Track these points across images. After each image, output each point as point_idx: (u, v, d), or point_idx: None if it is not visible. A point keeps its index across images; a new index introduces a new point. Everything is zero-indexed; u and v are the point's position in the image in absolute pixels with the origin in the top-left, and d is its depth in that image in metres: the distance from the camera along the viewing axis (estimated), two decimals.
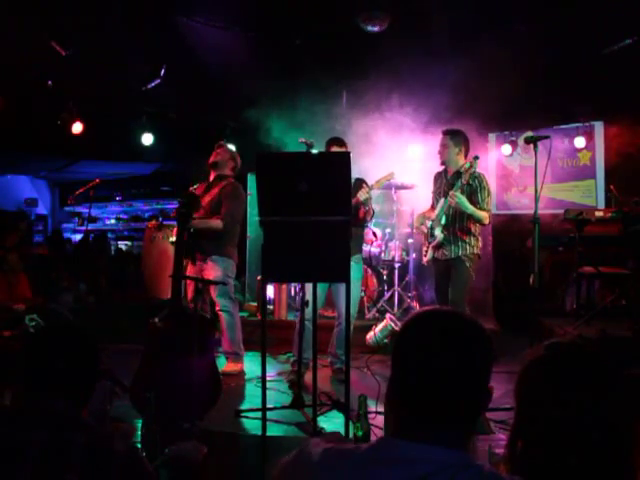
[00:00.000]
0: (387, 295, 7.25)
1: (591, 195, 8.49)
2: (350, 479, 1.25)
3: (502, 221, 8.38)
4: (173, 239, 7.42)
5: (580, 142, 8.26)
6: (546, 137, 4.31)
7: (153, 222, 6.44)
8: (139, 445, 2.83)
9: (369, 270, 7.33)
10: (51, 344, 1.71)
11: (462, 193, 4.93)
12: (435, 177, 5.49)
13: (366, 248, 7.39)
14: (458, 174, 5.12)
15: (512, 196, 8.87)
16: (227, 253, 5.56)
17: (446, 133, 5.25)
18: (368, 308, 7.20)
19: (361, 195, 5.02)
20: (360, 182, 5.42)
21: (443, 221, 5.12)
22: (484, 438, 3.77)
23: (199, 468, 2.82)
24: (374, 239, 7.39)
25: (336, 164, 3.71)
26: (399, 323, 6.13)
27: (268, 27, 6.57)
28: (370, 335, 6.31)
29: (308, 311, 5.06)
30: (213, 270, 5.49)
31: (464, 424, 1.31)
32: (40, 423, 1.51)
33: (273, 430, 3.94)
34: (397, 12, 6.14)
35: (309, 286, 5.03)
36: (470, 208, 4.91)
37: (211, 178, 5.66)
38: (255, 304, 7.62)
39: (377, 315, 7.03)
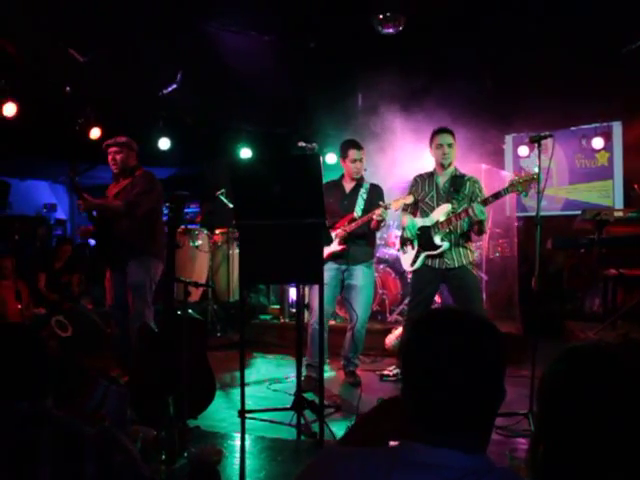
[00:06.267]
0: (409, 298, 7.22)
1: (609, 195, 8.43)
2: None
3: (521, 223, 8.34)
4: (199, 243, 7.53)
5: (598, 143, 8.20)
6: (549, 136, 4.26)
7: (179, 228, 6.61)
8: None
9: (392, 273, 7.31)
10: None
11: (463, 201, 4.85)
12: (417, 180, 5.16)
13: (389, 251, 7.39)
14: (455, 179, 4.95)
15: (530, 198, 8.82)
16: (148, 251, 5.16)
17: (450, 131, 4.95)
18: (390, 311, 7.18)
19: (377, 217, 4.99)
20: (376, 189, 5.41)
21: (446, 229, 4.87)
22: (504, 441, 3.76)
23: (217, 469, 2.84)
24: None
25: (307, 167, 3.74)
26: None
27: (283, 30, 6.60)
28: (390, 339, 6.29)
29: (319, 315, 5.08)
30: (133, 273, 5.11)
31: (480, 427, 1.30)
32: (5, 426, 1.54)
33: (273, 432, 3.98)
34: (412, 12, 6.12)
35: (313, 289, 5.06)
36: (485, 217, 4.72)
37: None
38: (278, 307, 7.64)
39: (399, 318, 7.02)
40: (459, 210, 4.81)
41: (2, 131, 7.23)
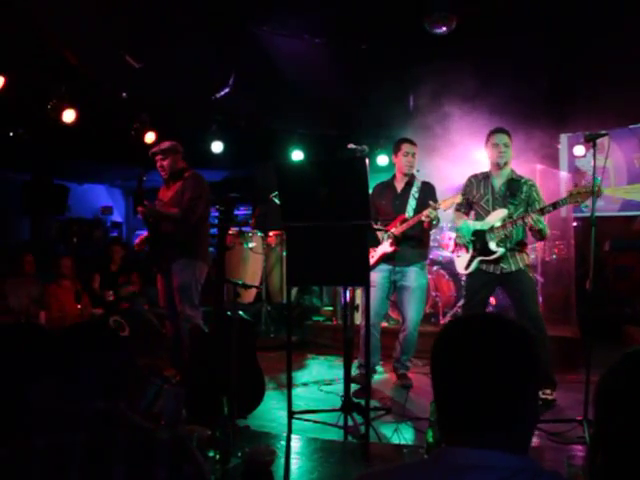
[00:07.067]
0: (463, 301, 7.14)
1: None
2: None
3: (579, 224, 8.16)
4: (252, 245, 7.62)
5: None
6: (605, 135, 4.15)
7: (231, 230, 6.71)
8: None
9: (445, 275, 7.25)
10: (80, 345, 1.74)
11: (520, 205, 4.76)
12: (472, 181, 5.03)
13: (442, 253, 7.33)
14: (512, 182, 4.81)
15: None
16: (194, 254, 5.24)
17: (506, 131, 4.85)
18: (443, 313, 7.11)
19: (424, 218, 4.98)
20: (427, 187, 5.39)
21: (502, 235, 4.74)
22: (559, 448, 3.68)
23: (271, 469, 2.87)
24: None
25: (353, 169, 3.75)
26: None
27: (335, 33, 6.61)
28: None
29: (372, 317, 5.07)
30: (178, 274, 5.20)
31: (514, 429, 1.28)
32: (81, 424, 1.57)
33: (323, 433, 4.00)
34: (463, 12, 6.06)
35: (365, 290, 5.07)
36: (545, 225, 4.59)
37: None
38: (331, 309, 7.67)
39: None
40: (515, 216, 4.72)
41: (62, 137, 7.47)
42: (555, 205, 4.49)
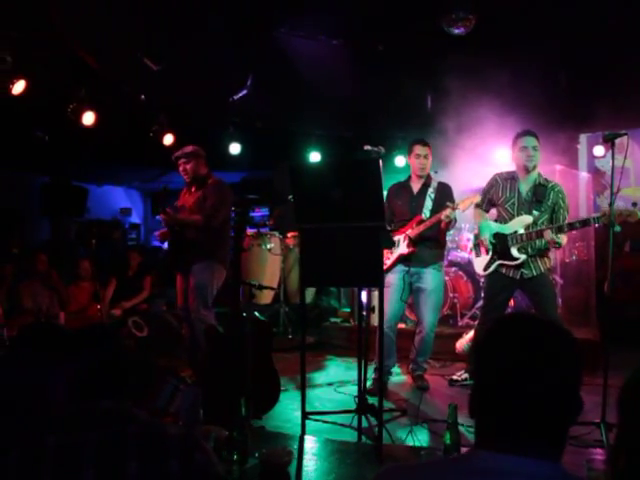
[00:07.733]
0: (481, 302, 7.09)
1: None
2: None
3: (599, 226, 8.07)
4: (271, 246, 7.63)
5: None
6: (624, 134, 4.10)
7: (250, 231, 6.72)
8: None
9: (463, 276, 7.21)
10: (84, 348, 1.77)
11: (545, 212, 4.71)
12: (498, 181, 4.93)
13: (460, 254, 7.30)
14: (538, 188, 4.73)
15: (605, 199, 8.54)
16: (214, 257, 5.31)
17: (535, 134, 4.77)
18: (461, 315, 7.07)
19: (444, 218, 4.96)
20: (444, 188, 5.36)
21: (525, 242, 4.67)
22: (577, 451, 3.65)
23: (288, 470, 2.87)
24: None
25: (367, 170, 3.74)
26: None
27: (352, 34, 6.61)
28: (460, 343, 6.19)
29: (388, 318, 5.06)
30: (196, 274, 5.27)
31: (554, 435, 1.27)
32: (91, 423, 1.59)
33: (337, 434, 4.00)
34: (482, 12, 6.02)
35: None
36: (561, 238, 4.53)
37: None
38: (349, 310, 7.67)
39: (470, 322, 6.91)
40: (540, 223, 4.67)
41: (82, 139, 7.53)
42: (585, 222, 4.44)
